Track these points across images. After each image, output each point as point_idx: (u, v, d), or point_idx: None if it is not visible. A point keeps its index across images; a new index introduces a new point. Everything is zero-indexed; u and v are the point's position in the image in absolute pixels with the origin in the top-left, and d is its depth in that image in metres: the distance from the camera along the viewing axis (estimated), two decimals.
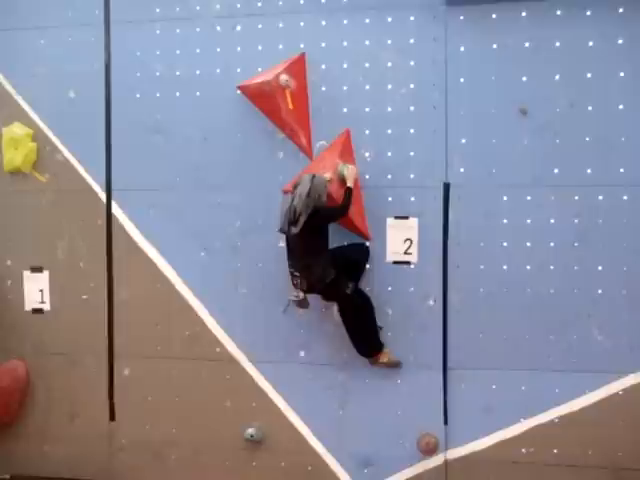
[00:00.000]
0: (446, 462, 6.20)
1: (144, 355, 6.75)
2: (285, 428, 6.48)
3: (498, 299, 6.06)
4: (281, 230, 5.74)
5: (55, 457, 7.00)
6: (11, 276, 7.04)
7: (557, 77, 5.90)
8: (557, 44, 5.89)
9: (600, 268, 5.90)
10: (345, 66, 6.28)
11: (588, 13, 5.82)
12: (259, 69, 6.37)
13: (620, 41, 5.78)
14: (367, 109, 6.24)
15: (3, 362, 6.96)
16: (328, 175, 5.82)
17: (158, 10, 6.61)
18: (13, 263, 7.03)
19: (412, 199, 6.16)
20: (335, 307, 6.25)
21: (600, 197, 5.87)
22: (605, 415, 5.90)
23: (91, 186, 6.82)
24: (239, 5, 6.46)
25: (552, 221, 5.95)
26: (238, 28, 6.48)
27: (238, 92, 6.44)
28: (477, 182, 6.06)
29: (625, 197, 5.83)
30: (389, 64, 6.21)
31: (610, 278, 5.88)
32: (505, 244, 6.04)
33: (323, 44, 6.31)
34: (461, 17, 6.06)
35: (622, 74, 5.79)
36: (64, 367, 6.95)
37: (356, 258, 6.12)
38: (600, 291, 5.90)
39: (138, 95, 6.68)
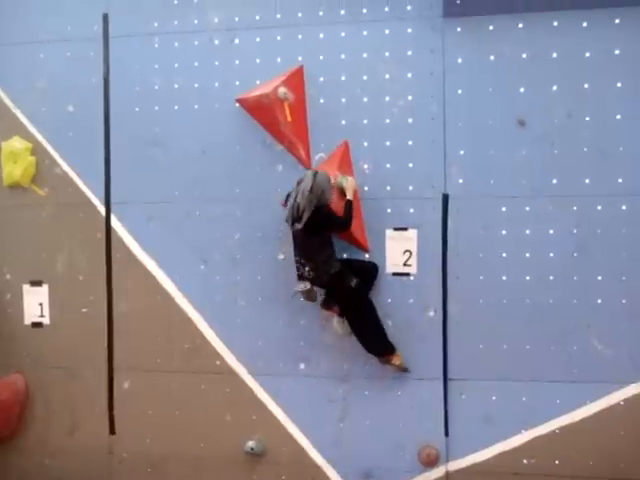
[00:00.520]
0: (447, 474, 6.18)
1: (144, 368, 6.74)
2: (285, 441, 6.46)
3: (498, 310, 6.05)
4: (287, 221, 5.78)
5: (55, 471, 6.97)
6: (10, 290, 7.03)
7: (554, 88, 5.92)
8: (554, 55, 5.91)
9: (599, 278, 5.90)
10: (343, 78, 6.29)
11: (585, 24, 5.84)
12: (257, 82, 6.38)
13: (617, 52, 5.80)
14: (365, 121, 6.25)
15: (3, 376, 6.94)
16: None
17: (156, 24, 6.63)
18: (12, 277, 7.03)
19: (411, 210, 6.16)
20: (335, 319, 6.25)
21: (599, 207, 5.88)
22: (606, 425, 5.89)
23: (90, 199, 6.82)
24: (237, 18, 6.48)
25: (551, 231, 5.95)
26: (236, 41, 6.50)
27: (236, 105, 6.46)
28: (476, 193, 6.06)
29: (624, 207, 5.83)
30: (387, 76, 6.22)
31: (610, 288, 5.88)
32: (504, 255, 6.03)
33: (321, 57, 6.33)
34: (458, 29, 6.08)
35: (619, 84, 5.81)
36: (64, 380, 6.94)
37: (364, 271, 6.08)
38: (600, 301, 5.90)
39: (137, 109, 6.69)
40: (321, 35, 6.33)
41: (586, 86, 5.87)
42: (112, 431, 6.85)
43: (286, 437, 6.47)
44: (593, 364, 5.91)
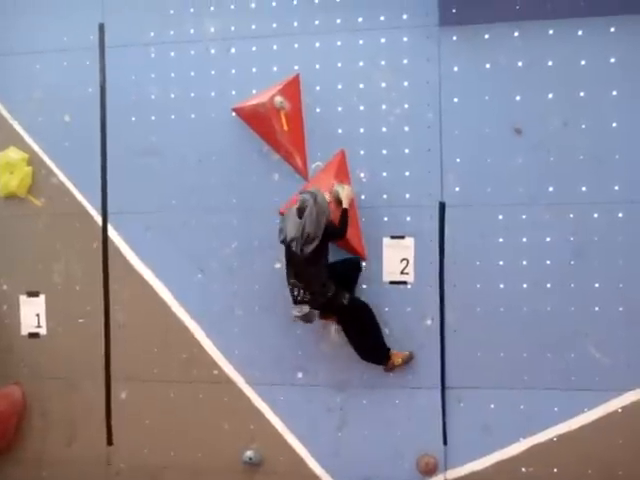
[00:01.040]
0: None
1: (141, 378, 6.72)
2: (283, 450, 6.45)
3: (495, 318, 6.05)
4: (283, 242, 5.72)
5: None
6: (7, 300, 7.02)
7: (550, 96, 5.94)
8: (550, 63, 5.93)
9: (597, 285, 5.91)
10: (339, 87, 6.31)
11: (580, 33, 5.86)
12: (254, 91, 6.39)
13: (612, 60, 5.82)
14: (362, 129, 6.26)
15: (0, 387, 6.91)
16: (327, 196, 5.84)
17: (152, 34, 6.64)
18: (9, 287, 7.01)
19: (408, 219, 6.17)
20: (333, 328, 6.25)
21: (595, 215, 5.89)
22: (604, 433, 5.89)
23: (87, 209, 6.81)
24: (233, 28, 6.49)
25: (548, 239, 5.96)
26: (232, 51, 6.51)
27: (233, 114, 6.46)
28: (472, 201, 6.07)
29: (620, 214, 5.85)
30: (383, 85, 6.24)
31: (607, 295, 5.89)
32: (501, 263, 6.04)
33: (317, 66, 6.34)
34: (454, 37, 6.09)
35: (615, 92, 5.83)
36: (61, 391, 6.92)
37: (348, 270, 6.10)
38: (597, 308, 5.91)
39: (133, 118, 6.69)
40: (317, 44, 6.35)
41: (582, 94, 5.89)
42: (110, 442, 6.83)
43: (284, 446, 6.46)
44: (591, 372, 5.91)
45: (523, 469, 6.03)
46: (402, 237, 6.18)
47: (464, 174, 6.09)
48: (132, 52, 6.69)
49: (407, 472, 6.21)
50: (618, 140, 5.84)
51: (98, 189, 6.76)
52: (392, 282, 6.23)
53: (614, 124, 5.84)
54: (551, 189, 5.95)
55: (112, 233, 6.77)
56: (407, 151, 6.18)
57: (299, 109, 6.30)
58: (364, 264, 6.22)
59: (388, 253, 6.21)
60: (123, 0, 6.72)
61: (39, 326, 6.95)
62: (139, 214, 6.68)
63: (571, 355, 5.94)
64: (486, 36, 6.04)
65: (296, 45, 6.38)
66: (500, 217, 6.03)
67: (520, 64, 5.98)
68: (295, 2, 6.38)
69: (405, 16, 6.17)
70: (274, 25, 6.42)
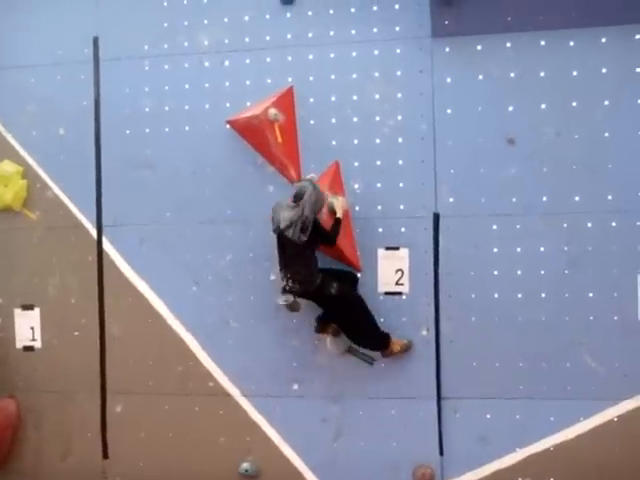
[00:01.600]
0: None
1: (137, 391, 6.71)
2: (280, 462, 6.43)
3: (490, 328, 6.06)
4: (275, 231, 5.73)
5: None
6: (2, 314, 7.01)
7: (543, 106, 5.97)
8: (542, 74, 5.96)
9: (591, 295, 5.92)
10: (333, 99, 6.33)
11: (571, 43, 5.90)
12: (248, 103, 6.41)
13: (604, 70, 5.85)
14: (356, 141, 6.28)
15: None
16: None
17: (146, 47, 6.66)
18: (4, 301, 7.00)
19: (402, 230, 6.18)
20: (328, 339, 6.23)
21: (589, 224, 5.91)
22: (601, 442, 5.89)
23: (81, 222, 6.81)
24: (227, 41, 6.51)
25: (542, 249, 5.97)
26: (226, 63, 6.53)
27: (227, 126, 6.47)
28: (466, 212, 6.09)
29: (614, 223, 5.87)
30: (377, 96, 6.26)
31: (601, 304, 5.90)
32: (496, 273, 6.05)
33: (311, 78, 6.37)
34: (447, 49, 6.13)
35: (607, 102, 5.86)
36: (56, 404, 6.90)
37: (344, 280, 6.08)
38: (592, 318, 5.92)
39: (128, 131, 6.71)
40: (311, 56, 6.37)
41: (574, 104, 5.92)
42: (105, 455, 6.81)
43: (280, 458, 6.44)
44: (586, 381, 5.92)
45: (520, 479, 6.01)
46: (397, 248, 6.19)
47: (458, 185, 6.11)
48: (126, 65, 6.71)
49: None
50: (611, 150, 5.87)
51: (93, 202, 6.77)
52: (387, 293, 6.23)
53: (606, 134, 5.87)
54: (545, 199, 5.97)
55: (107, 246, 6.77)
56: (401, 162, 6.20)
57: (293, 121, 6.31)
58: (359, 275, 6.22)
59: (383, 264, 6.22)
60: (117, 13, 6.74)
61: (34, 339, 6.94)
62: (134, 226, 6.68)
63: (567, 364, 5.94)
64: (478, 47, 6.07)
65: (290, 57, 6.40)
66: (494, 227, 6.05)
67: (512, 75, 6.01)
68: (288, 15, 6.41)
69: (398, 28, 6.21)
70: (268, 38, 6.45)
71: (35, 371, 6.94)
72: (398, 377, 6.20)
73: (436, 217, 6.12)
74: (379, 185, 6.24)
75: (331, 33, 6.34)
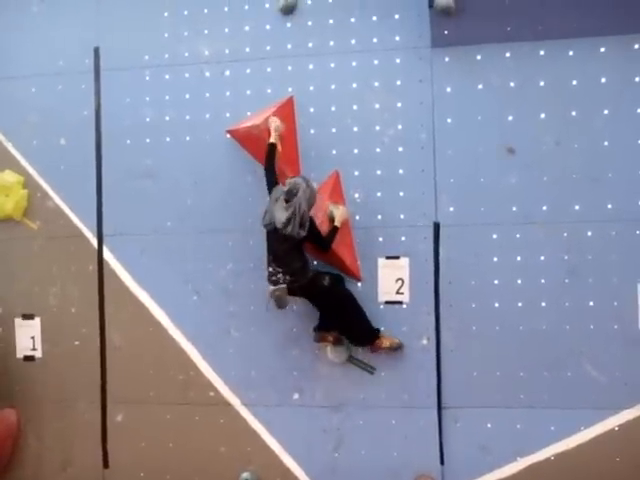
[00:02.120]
0: None
1: (137, 400, 6.70)
2: (280, 472, 6.42)
3: (491, 337, 6.06)
4: (266, 226, 5.73)
5: None
6: (2, 324, 7.00)
7: (542, 116, 5.98)
8: (541, 83, 5.98)
9: (591, 304, 5.92)
10: (333, 109, 6.34)
11: (571, 53, 5.91)
12: (248, 113, 6.42)
13: (603, 80, 5.87)
14: (356, 150, 6.29)
15: None
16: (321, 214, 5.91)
17: (147, 57, 6.68)
18: (4, 310, 6.99)
19: (402, 239, 6.19)
20: (329, 348, 6.24)
21: (589, 233, 5.91)
22: (602, 452, 5.87)
23: (82, 232, 6.81)
24: (227, 51, 6.53)
25: (542, 258, 5.98)
26: (227, 73, 6.55)
27: (227, 136, 6.49)
28: (467, 221, 6.10)
29: (613, 232, 5.87)
30: (377, 106, 6.27)
31: (602, 313, 5.90)
32: (496, 282, 6.05)
33: (311, 87, 6.38)
34: (446, 58, 6.14)
35: (606, 112, 5.87)
36: (56, 414, 6.89)
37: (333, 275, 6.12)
38: (592, 327, 5.91)
39: (128, 141, 6.72)
40: (311, 66, 6.39)
41: (573, 114, 5.93)
42: (106, 465, 6.79)
43: (281, 468, 6.43)
44: (587, 390, 5.91)
45: None
46: (397, 257, 6.19)
47: (458, 194, 6.12)
48: (127, 75, 6.72)
49: None
50: (610, 159, 5.88)
51: (93, 212, 6.78)
52: (387, 302, 6.23)
53: (606, 143, 5.88)
54: (545, 208, 5.98)
55: (108, 255, 6.77)
56: (401, 172, 6.21)
57: (293, 131, 6.32)
58: (359, 284, 6.23)
59: (383, 273, 6.22)
60: (118, 24, 6.76)
61: (34, 349, 6.93)
62: (134, 236, 6.69)
63: (567, 373, 5.94)
64: (478, 57, 6.09)
65: (290, 67, 6.42)
66: (494, 236, 6.05)
67: (512, 84, 6.03)
68: (289, 25, 6.43)
69: (398, 38, 6.23)
70: (268, 48, 6.47)
71: (36, 381, 6.93)
72: (398, 386, 6.20)
73: (436, 226, 6.13)
74: (379, 194, 6.25)
75: (331, 43, 6.36)
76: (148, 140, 6.69)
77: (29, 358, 6.95)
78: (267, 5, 6.47)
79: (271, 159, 5.86)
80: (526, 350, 5.99)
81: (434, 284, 6.14)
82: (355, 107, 6.31)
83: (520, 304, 6.02)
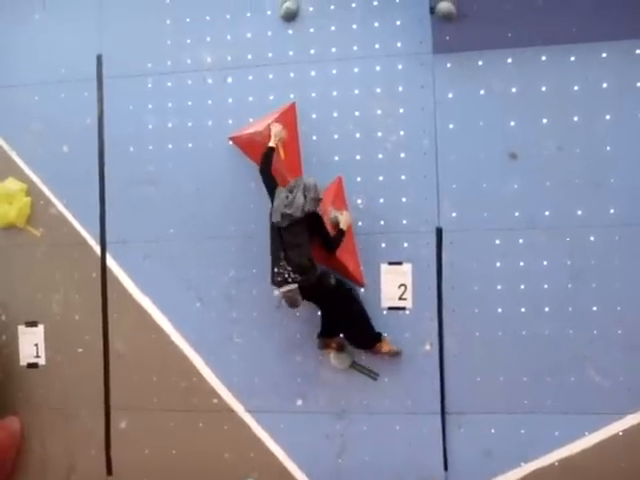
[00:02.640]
0: None
1: (141, 407, 6.70)
2: (284, 478, 6.41)
3: (494, 342, 6.05)
4: (278, 223, 5.75)
5: None
6: (6, 331, 7.00)
7: (544, 121, 5.99)
8: (543, 89, 5.99)
9: (595, 309, 5.91)
10: (335, 115, 6.35)
11: (572, 59, 5.92)
12: (250, 120, 6.44)
13: (604, 85, 5.88)
14: (358, 157, 6.30)
15: None
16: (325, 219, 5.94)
17: (150, 65, 6.70)
18: (7, 318, 7.00)
19: (405, 245, 6.19)
20: (332, 354, 6.24)
21: (592, 238, 5.91)
22: (606, 457, 5.86)
23: (85, 239, 6.83)
24: (229, 57, 6.55)
25: (545, 263, 5.98)
26: (229, 80, 6.56)
27: (230, 143, 6.49)
28: (469, 226, 6.10)
29: (616, 237, 5.87)
30: (379, 112, 6.29)
31: (605, 318, 5.89)
32: (499, 287, 6.05)
33: (313, 94, 6.39)
34: (448, 64, 6.16)
35: (608, 117, 5.88)
36: (60, 422, 6.89)
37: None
38: (595, 332, 5.91)
39: (131, 148, 6.73)
40: (313, 72, 6.41)
41: (575, 119, 5.94)
42: (109, 472, 6.79)
43: (284, 474, 6.42)
44: (591, 395, 5.90)
45: None
46: (400, 263, 6.19)
47: (460, 199, 6.12)
48: (129, 83, 6.74)
49: None
50: (613, 163, 5.88)
51: (96, 219, 6.79)
52: (390, 308, 6.23)
53: (608, 148, 5.89)
54: (547, 213, 5.98)
55: (111, 262, 6.78)
56: (403, 177, 6.22)
57: (295, 137, 6.32)
58: (362, 290, 6.23)
59: (386, 279, 6.22)
60: (120, 31, 6.78)
61: (38, 356, 6.93)
62: (137, 243, 6.70)
63: (571, 379, 5.93)
64: (480, 63, 6.10)
65: (292, 74, 6.44)
66: (497, 242, 6.06)
67: (514, 90, 6.04)
68: (290, 31, 6.45)
69: (399, 44, 6.24)
70: (270, 54, 6.48)
71: (39, 388, 6.94)
72: (402, 392, 6.19)
73: (439, 232, 6.13)
74: (382, 200, 6.25)
75: (333, 49, 6.37)
76: (151, 147, 6.70)
77: (32, 365, 6.95)
78: (269, 12, 6.49)
79: (267, 162, 5.87)
80: (529, 355, 5.99)
81: (437, 290, 6.14)
82: (357, 113, 6.32)
83: (523, 309, 6.01)
